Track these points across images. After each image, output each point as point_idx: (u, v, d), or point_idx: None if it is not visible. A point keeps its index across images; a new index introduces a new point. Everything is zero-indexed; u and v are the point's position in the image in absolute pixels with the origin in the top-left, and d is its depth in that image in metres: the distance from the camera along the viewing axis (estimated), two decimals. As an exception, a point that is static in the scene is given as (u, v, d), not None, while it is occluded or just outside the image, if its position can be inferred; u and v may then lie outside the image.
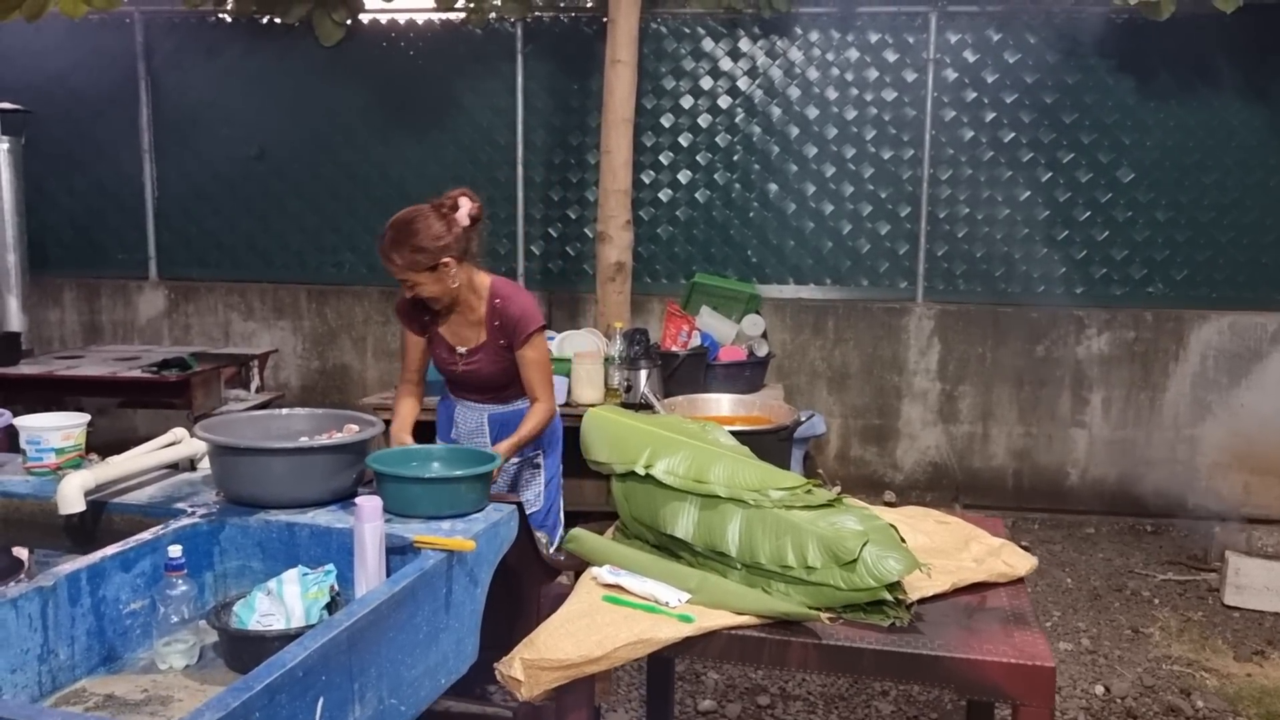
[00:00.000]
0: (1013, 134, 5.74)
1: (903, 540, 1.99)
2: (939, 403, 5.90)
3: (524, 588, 2.31)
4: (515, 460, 3.06)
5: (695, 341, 4.31)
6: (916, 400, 5.92)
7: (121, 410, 5.49)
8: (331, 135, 6.21)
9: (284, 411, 2.24)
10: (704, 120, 5.94)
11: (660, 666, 2.62)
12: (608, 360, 4.20)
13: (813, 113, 5.87)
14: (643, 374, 4.05)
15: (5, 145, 5.08)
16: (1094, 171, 5.70)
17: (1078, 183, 5.72)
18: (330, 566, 1.83)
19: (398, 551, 1.86)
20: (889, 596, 1.83)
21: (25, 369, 4.49)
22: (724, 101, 5.91)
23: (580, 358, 4.08)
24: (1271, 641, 4.05)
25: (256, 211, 6.35)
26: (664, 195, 6.00)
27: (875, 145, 5.85)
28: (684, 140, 5.95)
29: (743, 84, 5.89)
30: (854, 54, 5.81)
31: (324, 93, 6.18)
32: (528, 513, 3.06)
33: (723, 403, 2.62)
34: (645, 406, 2.67)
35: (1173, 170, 5.64)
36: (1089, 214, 5.73)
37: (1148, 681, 3.66)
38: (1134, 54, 5.57)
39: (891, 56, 5.78)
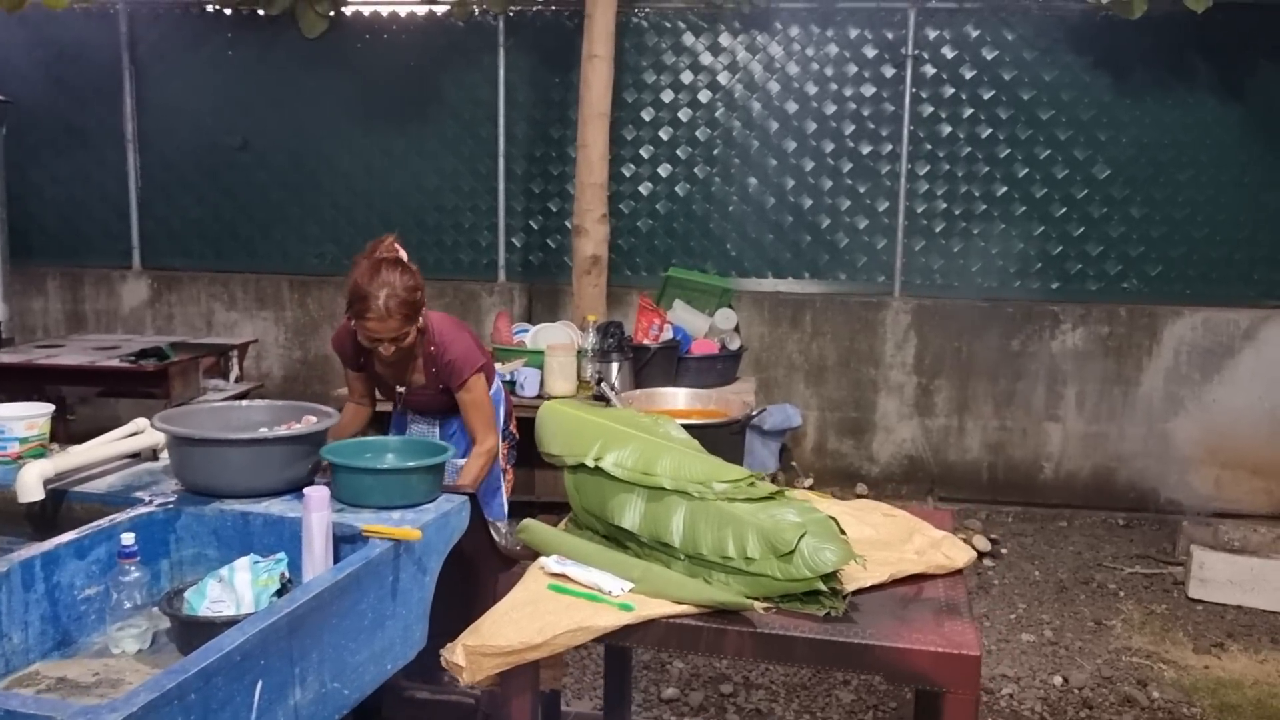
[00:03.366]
0: (990, 130, 5.79)
1: (843, 533, 2.04)
2: (915, 396, 5.96)
3: (480, 576, 2.36)
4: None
5: (667, 335, 4.36)
6: (893, 394, 5.98)
7: (104, 400, 5.51)
8: (314, 126, 6.24)
9: (244, 403, 2.28)
10: (684, 114, 5.97)
11: (618, 655, 2.67)
12: (580, 353, 4.25)
13: (792, 107, 5.91)
14: (614, 367, 4.10)
15: (-16, 135, 5.09)
16: (1070, 168, 5.75)
17: (1054, 179, 5.77)
18: (281, 555, 1.88)
19: (348, 540, 1.91)
20: (823, 587, 1.89)
21: (4, 358, 4.53)
22: (704, 96, 5.95)
23: (553, 350, 4.13)
24: (1231, 634, 4.12)
25: (239, 202, 6.38)
26: (644, 189, 6.04)
27: (854, 140, 5.90)
28: (664, 134, 5.99)
29: (723, 78, 5.93)
30: (833, 49, 5.85)
31: (307, 84, 6.20)
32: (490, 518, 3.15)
33: (679, 396, 2.67)
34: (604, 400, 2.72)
35: (1148, 167, 5.70)
36: (1065, 210, 5.79)
37: (1106, 673, 3.73)
38: (1110, 52, 5.62)
39: (871, 52, 5.82)
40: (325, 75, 6.18)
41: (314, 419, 2.20)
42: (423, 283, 2.88)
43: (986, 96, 5.76)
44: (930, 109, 5.82)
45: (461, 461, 2.95)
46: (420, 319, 2.90)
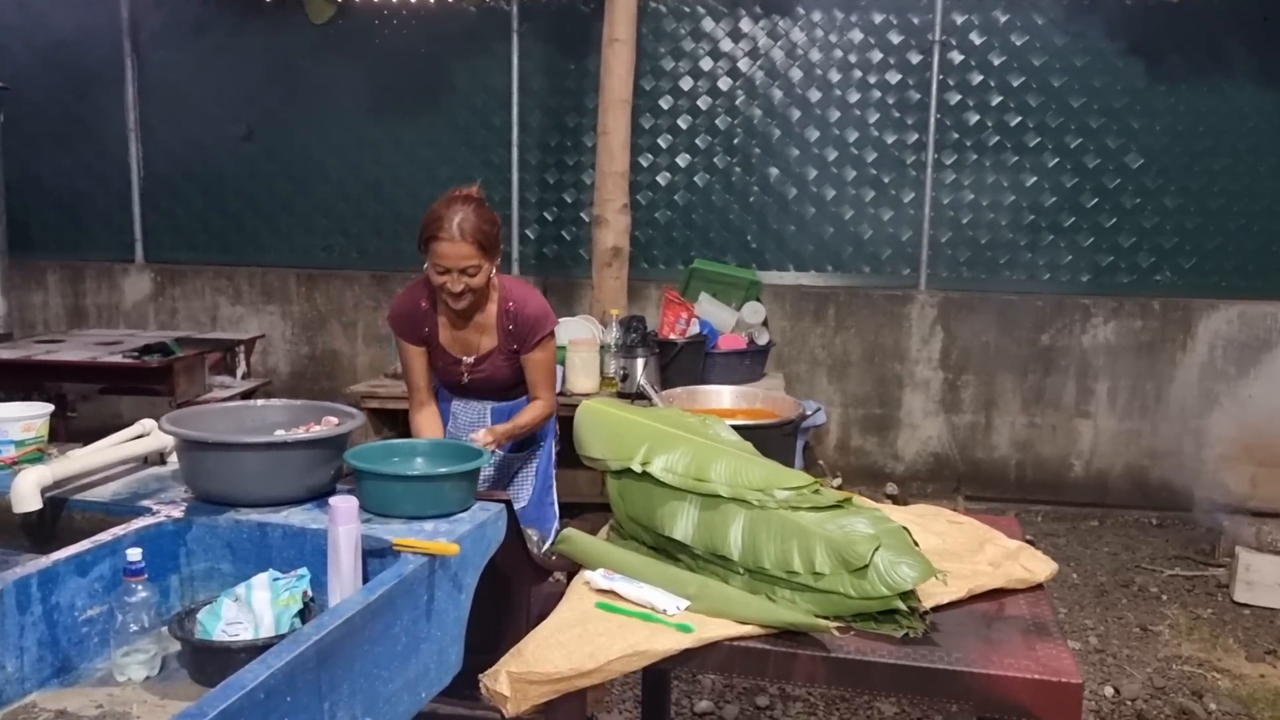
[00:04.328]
0: (1019, 118, 5.60)
1: (915, 544, 1.87)
2: (941, 392, 5.78)
3: (513, 589, 2.19)
4: (505, 451, 2.94)
5: (694, 329, 4.18)
6: (918, 389, 5.80)
7: (106, 398, 5.34)
8: (322, 116, 6.05)
9: (259, 403, 2.11)
10: (704, 102, 5.79)
11: (656, 672, 2.50)
12: (603, 348, 4.07)
13: (815, 95, 5.72)
14: (639, 362, 3.92)
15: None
16: (1102, 157, 5.57)
17: (1085, 168, 5.59)
18: (303, 571, 1.71)
19: (376, 555, 1.74)
20: (902, 605, 1.71)
21: (2, 354, 4.35)
22: (724, 83, 5.77)
23: (575, 345, 3.95)
24: (1284, 640, 3.94)
25: (245, 193, 6.20)
26: (662, 179, 5.85)
27: (878, 129, 5.71)
28: (683, 123, 5.81)
29: (743, 65, 5.74)
30: (857, 35, 5.66)
31: (314, 72, 6.02)
32: (518, 507, 2.96)
33: (724, 394, 2.50)
34: (642, 397, 2.55)
35: (1182, 156, 5.51)
36: (1096, 200, 5.60)
37: (1158, 682, 3.55)
38: (1144, 37, 5.43)
39: (896, 38, 5.63)
40: (333, 63, 5.99)
41: (335, 420, 2.02)
42: (500, 227, 2.71)
43: (1016, 84, 5.58)
44: (958, 97, 5.63)
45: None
46: (495, 265, 2.71)
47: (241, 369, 4.88)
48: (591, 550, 1.98)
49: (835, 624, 1.73)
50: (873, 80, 5.68)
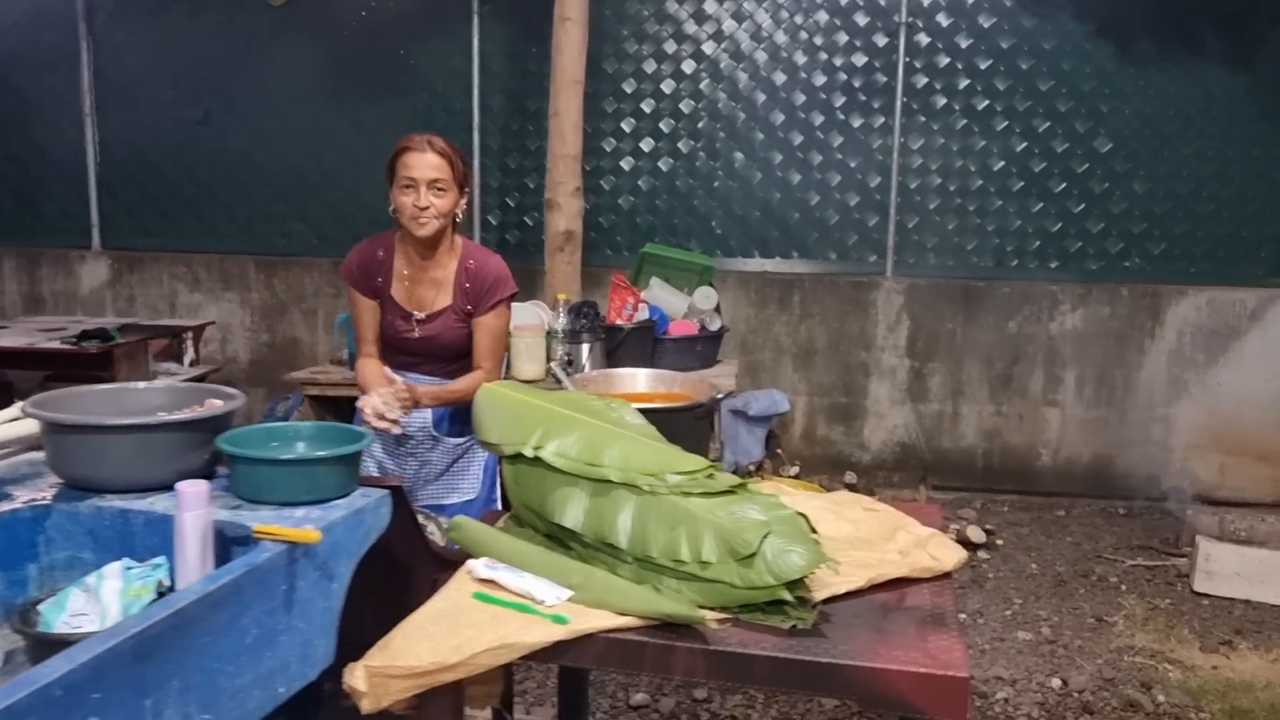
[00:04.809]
0: (987, 101, 5.51)
1: (814, 531, 1.79)
2: (908, 380, 5.71)
3: (413, 579, 2.11)
4: (461, 441, 2.84)
5: (642, 315, 4.09)
6: (884, 378, 5.72)
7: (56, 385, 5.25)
8: (280, 99, 5.95)
9: (141, 385, 2.03)
10: (667, 86, 5.69)
11: (574, 667, 2.41)
12: (550, 334, 3.99)
13: (780, 78, 5.63)
14: (584, 348, 3.83)
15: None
16: (1070, 141, 5.49)
17: (1054, 153, 5.51)
18: (160, 560, 1.62)
19: (242, 542, 1.65)
20: (788, 596, 1.63)
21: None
22: (688, 66, 5.67)
23: (520, 331, 3.86)
24: (1240, 631, 3.88)
25: (203, 179, 6.10)
26: (625, 164, 5.76)
27: (845, 113, 5.63)
28: (646, 106, 5.71)
29: (708, 48, 5.65)
30: (823, 17, 5.57)
31: (272, 55, 5.92)
32: (464, 500, 2.87)
33: (640, 378, 2.41)
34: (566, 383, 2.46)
35: (1152, 140, 5.43)
36: (1065, 185, 5.52)
37: (1108, 674, 3.49)
38: (1113, 19, 5.35)
39: (862, 20, 5.54)
40: (291, 45, 5.89)
41: (219, 403, 1.94)
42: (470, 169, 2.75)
43: (983, 66, 5.49)
44: (924, 80, 5.54)
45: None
46: (461, 202, 2.72)
47: (190, 356, 4.79)
48: (482, 539, 1.90)
49: (720, 615, 1.65)
50: (838, 63, 5.59)
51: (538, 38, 5.62)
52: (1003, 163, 5.55)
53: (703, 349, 4.31)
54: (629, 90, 5.70)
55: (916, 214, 5.64)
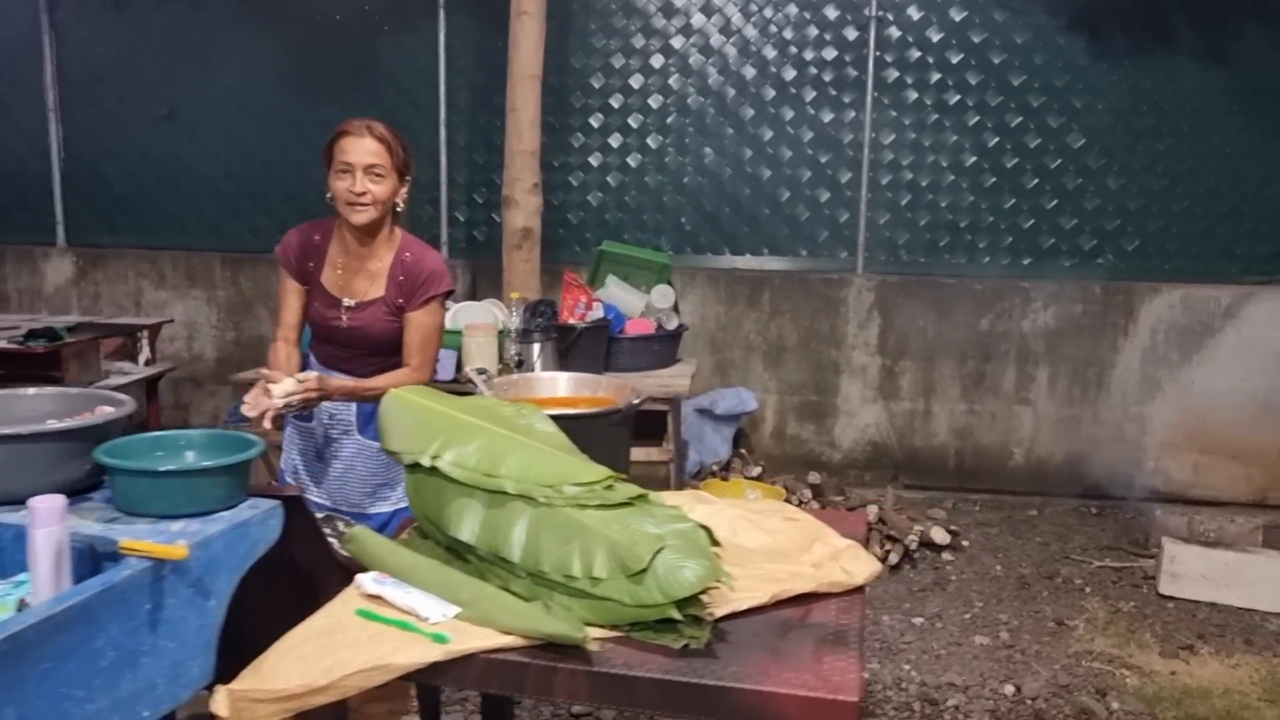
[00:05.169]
0: (958, 96, 5.44)
1: (716, 544, 1.73)
2: (879, 379, 5.64)
3: (320, 593, 2.04)
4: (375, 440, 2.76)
5: (597, 314, 4.02)
6: (855, 376, 5.66)
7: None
8: (245, 94, 5.87)
9: (31, 391, 1.96)
10: (635, 81, 5.62)
11: (429, 690, 2.31)
12: (503, 333, 3.92)
13: (750, 73, 5.56)
14: (535, 348, 3.76)
15: None
16: (1043, 136, 5.42)
17: (1026, 148, 5.44)
18: (23, 576, 1.56)
19: (113, 557, 1.59)
20: (677, 614, 1.57)
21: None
22: (656, 61, 5.59)
23: (471, 330, 3.80)
24: (1203, 635, 3.81)
25: (167, 175, 6.02)
26: (593, 160, 5.69)
27: (815, 107, 5.55)
28: (614, 102, 5.64)
29: (676, 42, 5.57)
30: (793, 10, 5.49)
31: (237, 49, 5.84)
32: (395, 509, 2.76)
33: (561, 383, 2.34)
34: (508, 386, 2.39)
35: (1125, 135, 5.36)
36: (1037, 181, 5.45)
37: (1063, 680, 3.42)
38: (1086, 13, 5.27)
39: (832, 13, 5.47)
40: (256, 40, 5.81)
41: (110, 410, 1.87)
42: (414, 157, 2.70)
43: (954, 60, 5.42)
44: (895, 74, 5.47)
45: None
46: (401, 190, 2.64)
47: (145, 355, 4.72)
48: (376, 551, 1.83)
49: (610, 634, 1.59)
50: (808, 57, 5.51)
51: (504, 32, 5.53)
52: (974, 158, 5.48)
53: (660, 348, 4.24)
54: (596, 85, 5.63)
55: (887, 210, 5.57)
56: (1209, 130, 5.29)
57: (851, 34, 5.47)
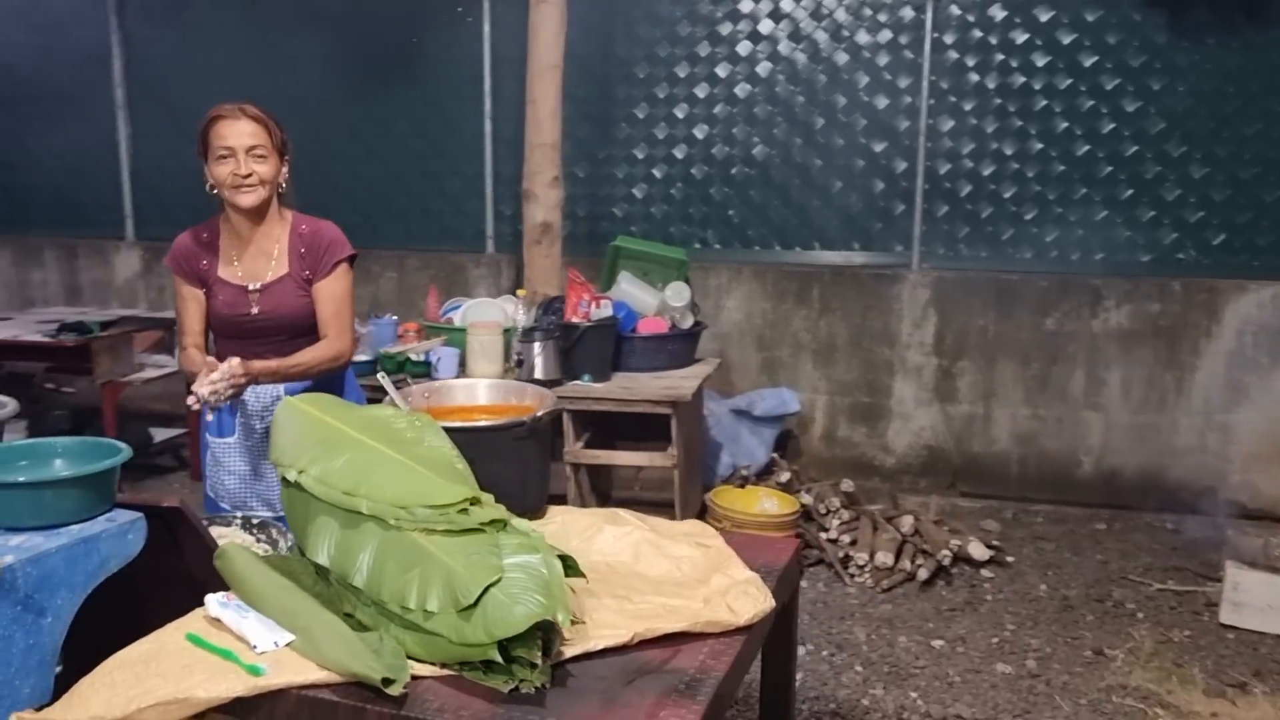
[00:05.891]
0: (1024, 79, 5.08)
1: (579, 574, 1.59)
2: (935, 380, 5.34)
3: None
4: None
5: (605, 312, 3.88)
6: (910, 377, 5.37)
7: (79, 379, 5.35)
8: (299, 90, 5.93)
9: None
10: (681, 70, 5.45)
11: None
12: (509, 332, 3.83)
13: (800, 58, 5.32)
14: (535, 347, 3.65)
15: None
16: (1117, 122, 5.01)
17: (1098, 134, 5.04)
18: None
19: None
20: (497, 657, 1.43)
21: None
22: (703, 49, 5.41)
23: (475, 329, 3.71)
24: (1260, 672, 3.45)
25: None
26: (638, 152, 5.55)
27: (869, 93, 5.28)
28: (660, 91, 5.48)
29: (723, 29, 5.37)
30: (847, -9, 5.23)
31: (291, 46, 5.91)
32: None
33: (479, 389, 2.22)
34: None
35: (1209, 120, 4.91)
36: (1110, 170, 5.05)
37: (1085, 717, 3.13)
38: (1165, -15, 4.85)
39: (887, -7, 5.18)
40: (308, 36, 5.87)
41: (-7, 416, 1.84)
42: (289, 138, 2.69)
43: (1019, 41, 5.06)
44: (955, 56, 5.15)
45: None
46: (282, 169, 2.67)
47: (183, 349, 4.80)
48: (238, 569, 1.75)
49: (438, 673, 1.47)
50: (862, 40, 5.24)
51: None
52: (1040, 145, 5.11)
53: (675, 348, 4.08)
54: (641, 75, 5.48)
55: (946, 202, 5.26)
56: (1306, 112, 4.81)
57: (908, 14, 5.17)
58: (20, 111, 6.20)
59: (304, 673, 1.46)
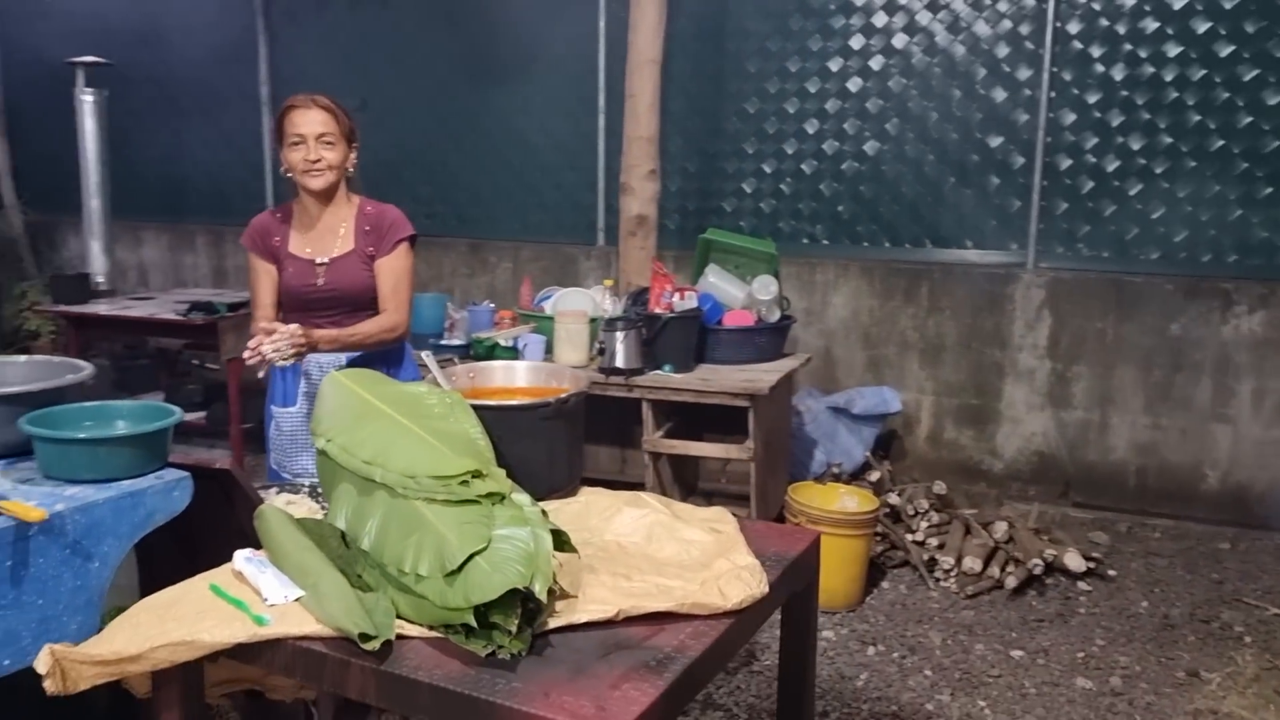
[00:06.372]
0: (1153, 69, 4.83)
1: (571, 549, 1.65)
2: (1048, 384, 5.14)
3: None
4: None
5: (689, 303, 3.90)
6: (1021, 380, 5.18)
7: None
8: (426, 85, 6.21)
9: (21, 359, 2.16)
10: (793, 64, 5.41)
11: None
12: (594, 321, 3.90)
13: (915, 51, 5.20)
14: (618, 336, 3.71)
15: (90, 97, 5.40)
16: (1256, 114, 4.70)
17: (1234, 128, 4.74)
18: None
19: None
20: (472, 621, 1.49)
21: (80, 308, 4.79)
22: (814, 43, 5.36)
23: (561, 317, 3.81)
24: (1373, 708, 3.20)
25: (360, 162, 6.44)
26: (749, 146, 5.54)
27: (985, 86, 5.12)
28: (770, 87, 5.46)
29: (836, 23, 5.31)
30: (964, -20, 5.08)
31: (418, 42, 6.18)
32: None
33: (517, 371, 2.29)
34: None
35: (1360, 111, 4.55)
36: (1247, 166, 4.75)
37: (1164, 740, 2.98)
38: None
39: (1008, -18, 5.01)
40: (434, 32, 6.12)
41: (71, 378, 2.03)
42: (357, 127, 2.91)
43: (1149, 30, 4.81)
44: (1078, 46, 4.93)
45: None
46: (351, 156, 2.88)
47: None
48: (271, 529, 1.87)
49: (424, 634, 1.55)
50: (979, 30, 5.09)
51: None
52: (1170, 140, 4.85)
53: (763, 342, 4.06)
54: (752, 70, 5.47)
55: (1065, 199, 5.05)
56: None
57: (1029, 3, 4.99)
58: (178, 108, 6.69)
59: (302, 625, 1.57)
